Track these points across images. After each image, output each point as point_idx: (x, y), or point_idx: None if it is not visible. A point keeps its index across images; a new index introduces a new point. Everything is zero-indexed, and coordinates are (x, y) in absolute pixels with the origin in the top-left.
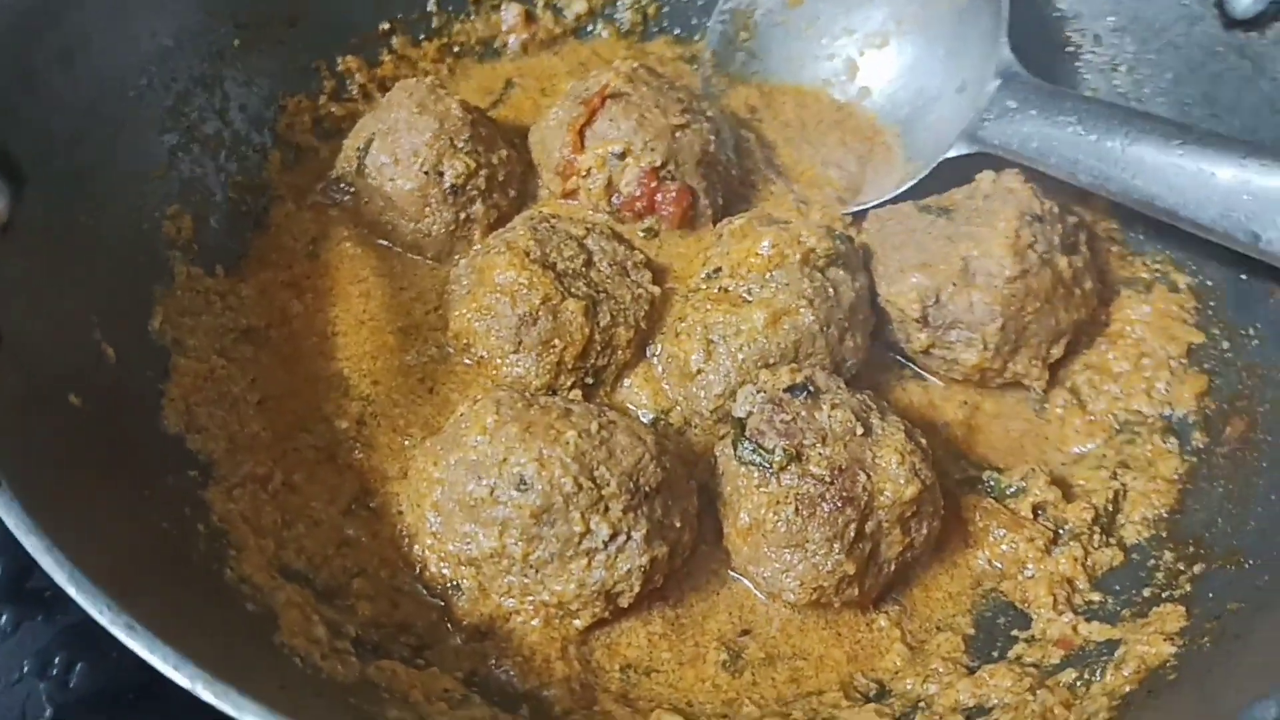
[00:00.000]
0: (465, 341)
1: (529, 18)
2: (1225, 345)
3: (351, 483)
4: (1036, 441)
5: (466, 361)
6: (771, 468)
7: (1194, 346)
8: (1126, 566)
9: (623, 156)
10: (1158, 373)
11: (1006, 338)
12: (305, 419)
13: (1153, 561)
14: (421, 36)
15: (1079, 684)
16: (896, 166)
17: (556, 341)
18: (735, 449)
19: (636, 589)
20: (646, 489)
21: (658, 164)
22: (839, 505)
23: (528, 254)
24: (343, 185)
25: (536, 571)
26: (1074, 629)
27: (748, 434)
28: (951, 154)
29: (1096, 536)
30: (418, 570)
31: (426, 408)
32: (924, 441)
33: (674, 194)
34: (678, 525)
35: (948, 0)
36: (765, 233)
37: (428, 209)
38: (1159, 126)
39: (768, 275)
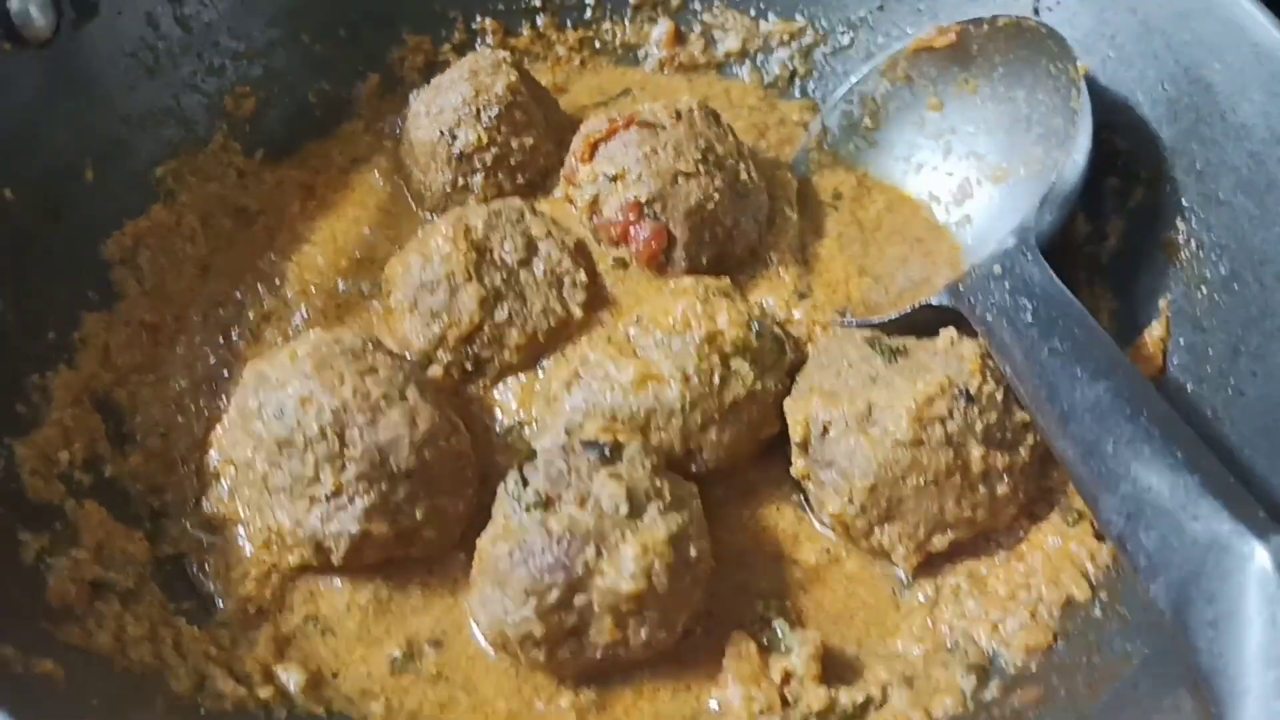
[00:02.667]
0: (388, 288)
1: (678, 38)
2: (1097, 614)
3: (220, 362)
4: (868, 621)
5: (382, 305)
6: (520, 504)
7: (1071, 601)
8: None
9: (613, 180)
10: (1018, 612)
11: (876, 501)
12: (226, 297)
13: None
14: (569, 23)
15: None
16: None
17: (445, 317)
18: (508, 473)
19: (342, 552)
20: (394, 469)
21: (642, 199)
22: (549, 565)
23: (468, 231)
24: (399, 122)
25: (270, 495)
26: None
27: (525, 466)
28: (934, 302)
29: None
30: (204, 452)
31: (320, 330)
32: (696, 555)
33: (648, 232)
34: (418, 517)
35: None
36: (690, 300)
37: (433, 164)
38: (1091, 368)
39: (667, 339)
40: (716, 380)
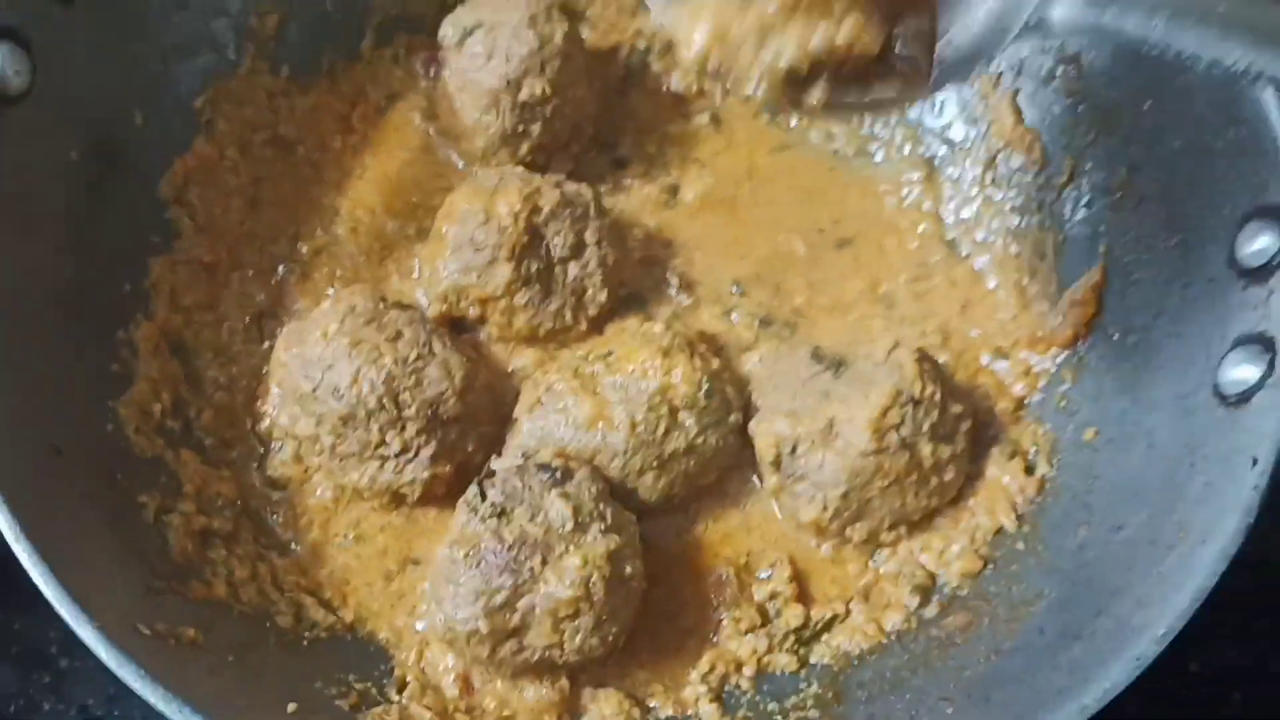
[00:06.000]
0: (446, 212)
1: None
2: (1020, 547)
3: (269, 301)
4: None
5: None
6: (477, 513)
7: (1002, 531)
8: (789, 678)
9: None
10: (960, 538)
11: (848, 505)
12: (278, 231)
13: (804, 686)
14: None
15: None
16: None
17: (476, 276)
18: (474, 483)
19: (418, 494)
20: (444, 417)
21: None
22: (498, 570)
23: (534, 211)
24: (439, 58)
25: (341, 460)
26: (696, 701)
27: (486, 478)
28: None
29: (790, 640)
30: (258, 420)
31: (366, 271)
32: (630, 573)
33: None
34: (469, 450)
35: None
36: (653, 350)
37: (494, 108)
38: None
39: (625, 383)
40: (661, 431)
